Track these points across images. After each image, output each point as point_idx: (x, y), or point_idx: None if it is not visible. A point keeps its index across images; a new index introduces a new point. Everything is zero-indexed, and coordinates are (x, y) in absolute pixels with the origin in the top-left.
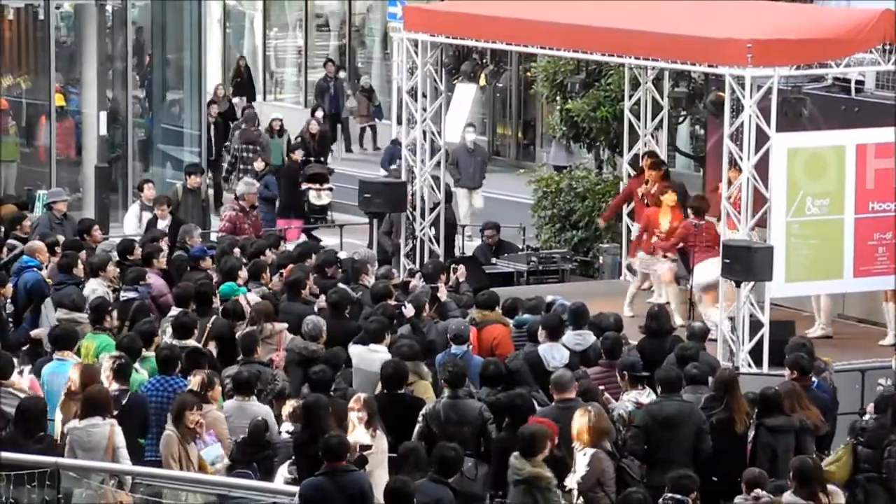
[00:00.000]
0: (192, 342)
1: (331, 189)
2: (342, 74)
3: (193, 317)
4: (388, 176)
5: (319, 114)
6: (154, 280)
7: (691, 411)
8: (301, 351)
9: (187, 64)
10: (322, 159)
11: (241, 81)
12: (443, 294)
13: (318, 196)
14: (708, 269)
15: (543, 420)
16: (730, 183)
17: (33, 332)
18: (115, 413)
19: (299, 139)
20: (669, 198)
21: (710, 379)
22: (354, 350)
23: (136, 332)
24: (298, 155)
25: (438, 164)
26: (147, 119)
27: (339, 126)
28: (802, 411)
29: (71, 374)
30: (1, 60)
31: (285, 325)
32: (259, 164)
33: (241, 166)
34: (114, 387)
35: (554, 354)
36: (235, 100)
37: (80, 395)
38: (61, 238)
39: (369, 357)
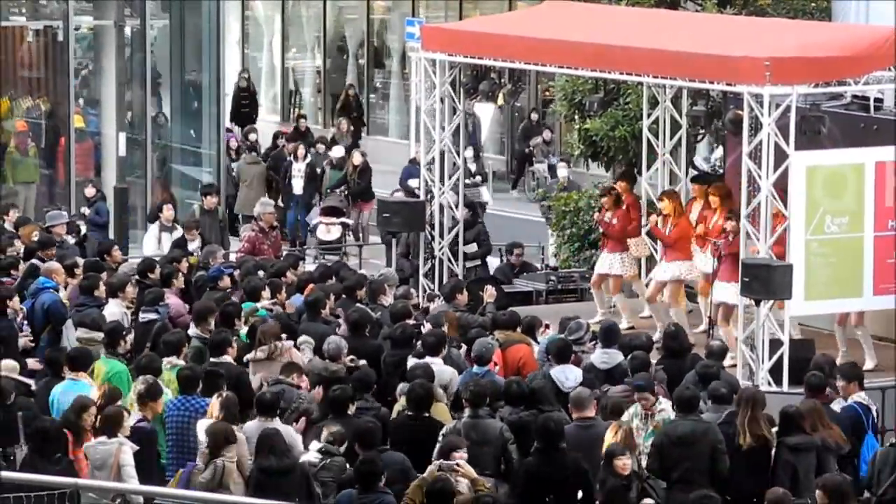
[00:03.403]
0: (227, 358)
1: (343, 224)
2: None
3: (226, 335)
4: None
5: (469, 153)
6: (172, 300)
7: (706, 431)
8: (321, 372)
9: (205, 84)
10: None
11: (349, 113)
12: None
13: (327, 231)
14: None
15: None
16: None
17: None
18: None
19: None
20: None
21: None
22: (413, 364)
23: (163, 343)
24: None
25: (456, 183)
26: (166, 140)
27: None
28: (824, 430)
29: (92, 396)
30: (20, 82)
31: (291, 342)
32: (90, 191)
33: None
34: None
35: (567, 375)
36: (332, 129)
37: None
38: (80, 259)
39: None
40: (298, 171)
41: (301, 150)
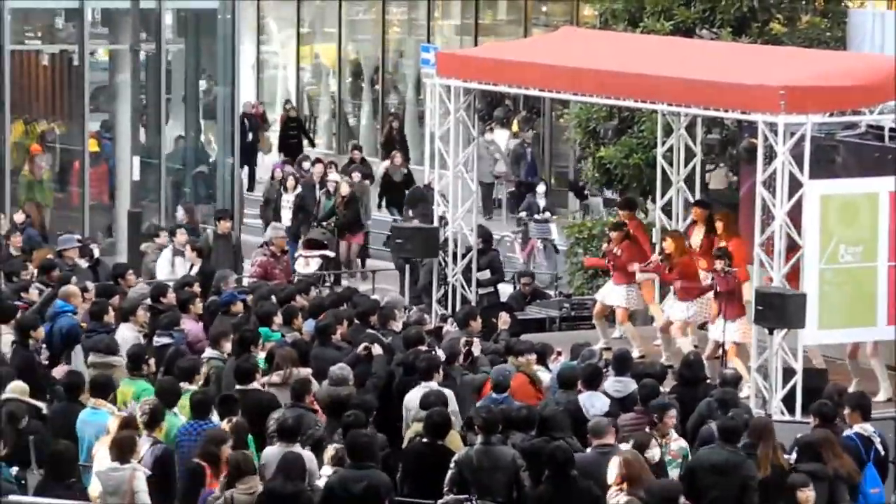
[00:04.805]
0: (256, 385)
1: (323, 257)
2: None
3: (254, 361)
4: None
5: (542, 188)
6: (190, 326)
7: (740, 464)
8: (332, 396)
9: (220, 108)
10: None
11: (393, 147)
12: (476, 349)
13: (305, 263)
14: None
15: None
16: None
17: (55, 371)
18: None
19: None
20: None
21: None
22: (427, 391)
23: (177, 369)
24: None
25: (470, 209)
26: (180, 164)
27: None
28: (836, 460)
29: (110, 424)
30: (35, 106)
31: (309, 370)
32: (19, 217)
33: None
34: (145, 436)
35: (594, 402)
36: (386, 163)
37: None
38: (90, 284)
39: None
40: (287, 202)
41: (291, 182)
